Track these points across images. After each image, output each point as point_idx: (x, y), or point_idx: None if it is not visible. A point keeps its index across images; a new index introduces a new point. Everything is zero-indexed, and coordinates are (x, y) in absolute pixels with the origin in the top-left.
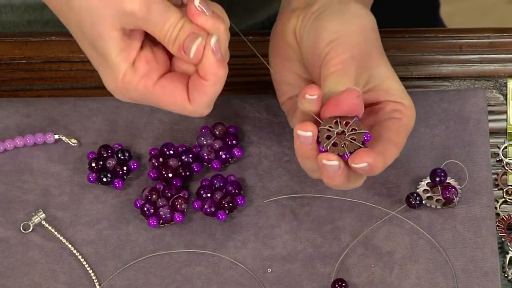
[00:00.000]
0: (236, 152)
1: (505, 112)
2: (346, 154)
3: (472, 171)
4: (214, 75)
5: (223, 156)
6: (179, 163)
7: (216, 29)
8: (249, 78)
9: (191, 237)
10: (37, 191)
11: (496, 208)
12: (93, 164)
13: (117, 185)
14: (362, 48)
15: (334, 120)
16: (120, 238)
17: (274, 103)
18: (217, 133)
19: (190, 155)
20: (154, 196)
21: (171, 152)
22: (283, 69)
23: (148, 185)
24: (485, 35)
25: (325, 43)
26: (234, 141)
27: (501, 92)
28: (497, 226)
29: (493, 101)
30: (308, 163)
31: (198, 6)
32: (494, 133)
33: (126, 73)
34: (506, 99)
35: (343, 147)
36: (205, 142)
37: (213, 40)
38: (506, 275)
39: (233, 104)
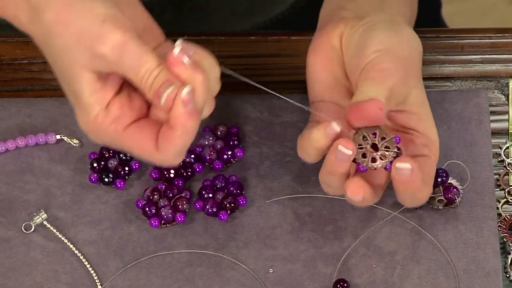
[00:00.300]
0: (237, 152)
1: (507, 113)
2: (388, 166)
3: (474, 172)
4: (182, 125)
5: (225, 156)
6: (181, 163)
7: (192, 79)
8: (251, 78)
9: (193, 237)
10: (38, 191)
11: (498, 208)
12: (95, 164)
13: (119, 185)
14: (406, 65)
15: (362, 136)
16: (122, 238)
17: (276, 103)
18: (219, 133)
19: (192, 155)
20: (155, 196)
21: None
22: (322, 68)
23: (150, 185)
24: (487, 35)
25: (372, 50)
26: (235, 141)
27: (503, 93)
28: (499, 226)
29: (495, 102)
30: (333, 179)
31: (176, 55)
32: (496, 133)
33: (98, 114)
34: (508, 100)
35: (381, 159)
36: (206, 143)
37: (185, 91)
38: (508, 275)
39: (235, 104)
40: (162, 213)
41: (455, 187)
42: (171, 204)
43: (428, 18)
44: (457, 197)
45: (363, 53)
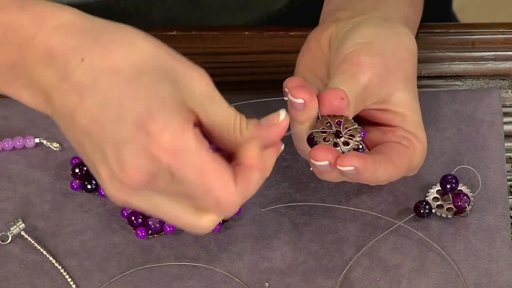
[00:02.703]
0: None
1: None
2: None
3: (485, 178)
4: (263, 166)
5: None
6: None
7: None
8: (247, 77)
9: (183, 248)
10: (16, 199)
11: (511, 217)
12: (77, 170)
13: (103, 193)
14: (388, 61)
15: (325, 121)
16: (106, 250)
17: (273, 104)
18: None
19: None
20: None
21: None
22: (306, 68)
23: None
24: (500, 30)
25: (351, 43)
26: None
27: None
28: None
29: (508, 102)
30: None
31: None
32: (509, 136)
33: (189, 128)
34: None
35: (344, 145)
36: None
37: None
38: None
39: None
40: (150, 222)
41: (465, 195)
42: None
43: (437, 12)
44: (468, 205)
45: (342, 46)
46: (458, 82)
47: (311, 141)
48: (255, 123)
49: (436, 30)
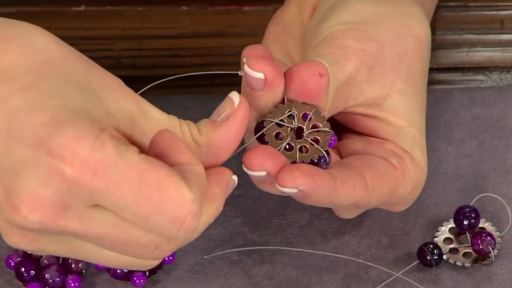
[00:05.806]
0: None
1: None
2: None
3: None
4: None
5: None
6: None
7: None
8: (184, 69)
9: None
10: None
11: None
12: None
13: None
14: (386, 50)
15: (288, 110)
16: None
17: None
18: None
19: None
20: None
21: None
22: (278, 43)
23: None
24: None
25: (337, 21)
26: None
27: None
28: None
29: None
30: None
31: None
32: None
33: (106, 138)
34: None
35: (301, 151)
36: None
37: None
38: None
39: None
40: (46, 275)
41: (489, 234)
42: (60, 262)
43: None
44: (492, 249)
45: (324, 24)
46: (480, 76)
47: (260, 133)
48: (207, 123)
49: (451, 4)
